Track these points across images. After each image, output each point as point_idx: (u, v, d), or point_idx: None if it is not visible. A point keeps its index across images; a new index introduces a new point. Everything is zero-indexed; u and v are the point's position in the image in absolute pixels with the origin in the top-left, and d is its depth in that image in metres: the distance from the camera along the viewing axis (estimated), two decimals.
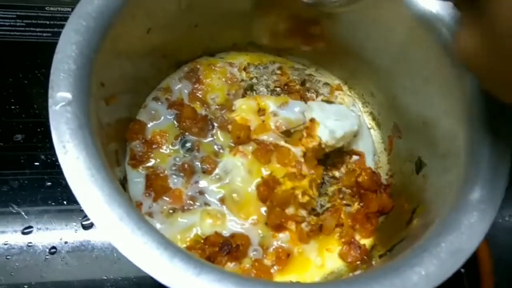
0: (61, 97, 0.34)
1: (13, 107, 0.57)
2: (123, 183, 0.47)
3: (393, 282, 0.31)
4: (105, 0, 0.39)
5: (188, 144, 0.51)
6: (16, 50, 0.62)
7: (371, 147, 0.56)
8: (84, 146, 0.33)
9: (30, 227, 0.50)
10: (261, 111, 0.55)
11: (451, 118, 0.42)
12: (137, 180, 0.49)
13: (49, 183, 0.53)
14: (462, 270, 0.46)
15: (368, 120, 0.59)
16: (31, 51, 0.62)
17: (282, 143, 0.49)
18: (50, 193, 0.52)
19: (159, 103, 0.54)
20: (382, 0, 0.46)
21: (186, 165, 0.49)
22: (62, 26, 0.59)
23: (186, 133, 0.52)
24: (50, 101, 0.34)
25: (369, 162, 0.55)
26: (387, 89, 0.54)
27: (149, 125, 0.51)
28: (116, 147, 0.47)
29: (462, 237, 0.33)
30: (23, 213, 0.51)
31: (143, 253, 0.30)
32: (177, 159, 0.50)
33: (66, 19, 0.59)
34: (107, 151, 0.40)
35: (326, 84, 0.61)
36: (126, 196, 0.35)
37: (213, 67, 0.58)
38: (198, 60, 0.59)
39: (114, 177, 0.35)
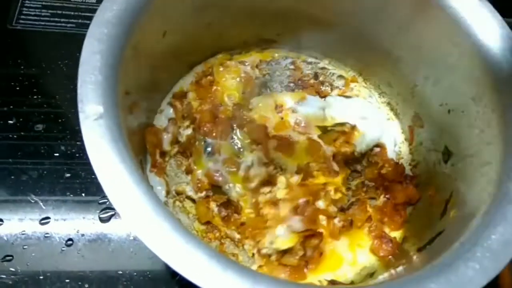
0: (92, 111, 0.32)
1: (35, 97, 0.57)
2: None
3: (448, 279, 0.30)
4: (123, 5, 0.38)
5: (209, 149, 0.50)
6: (40, 40, 0.61)
7: (392, 138, 0.56)
8: (121, 160, 0.31)
9: (48, 217, 0.50)
10: (278, 107, 0.54)
11: (482, 105, 0.42)
12: (159, 187, 0.49)
13: (68, 175, 0.52)
14: None
15: (386, 111, 0.58)
16: (55, 41, 0.61)
17: (315, 137, 0.49)
18: (68, 184, 0.52)
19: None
20: None
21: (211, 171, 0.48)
22: (86, 18, 0.58)
23: (207, 138, 0.50)
24: (81, 115, 0.32)
25: (391, 153, 0.55)
26: (405, 79, 0.53)
27: (165, 137, 0.50)
28: (139, 155, 0.46)
29: (510, 227, 0.33)
30: (41, 204, 0.50)
31: (195, 266, 0.29)
32: None
33: (90, 10, 0.59)
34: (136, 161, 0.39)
35: (341, 76, 0.60)
36: (167, 208, 0.33)
37: (226, 67, 0.57)
38: (210, 60, 0.57)
39: (152, 189, 0.34)
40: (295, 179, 0.46)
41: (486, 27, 0.42)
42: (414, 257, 0.41)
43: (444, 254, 0.33)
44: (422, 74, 0.50)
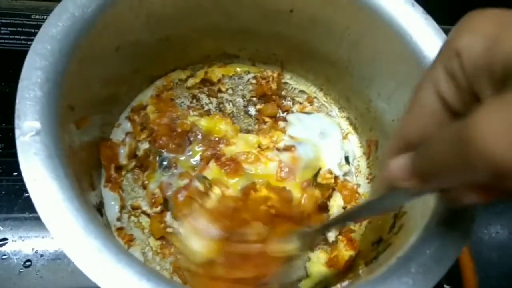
0: (29, 127, 0.32)
1: None
2: (100, 207, 0.45)
3: None
4: (70, 21, 0.38)
5: (164, 162, 0.50)
6: (0, 57, 0.60)
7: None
8: (55, 176, 0.31)
9: (5, 239, 0.49)
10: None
11: None
12: (113, 203, 0.48)
13: (27, 194, 0.50)
14: (448, 287, 0.47)
15: (345, 125, 0.59)
16: (14, 59, 0.59)
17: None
18: (27, 203, 0.51)
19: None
20: (355, 10, 0.46)
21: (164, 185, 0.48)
22: None
23: (163, 151, 0.50)
24: (17, 131, 0.32)
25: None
26: (361, 94, 0.54)
27: (121, 151, 0.50)
28: (90, 170, 0.45)
29: (445, 242, 0.33)
30: None
31: (126, 285, 0.29)
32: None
33: None
34: (80, 176, 0.39)
35: (302, 91, 0.61)
36: (103, 225, 0.33)
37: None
38: (172, 74, 0.58)
39: (89, 205, 0.34)
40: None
41: (431, 44, 0.43)
42: (360, 271, 0.41)
43: (382, 268, 0.33)
44: (376, 89, 0.51)
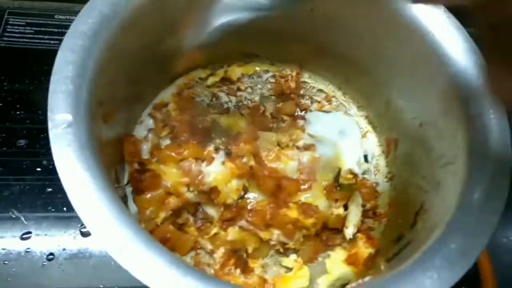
0: (61, 119, 0.33)
1: (18, 112, 0.57)
2: (125, 201, 0.46)
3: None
4: (99, 18, 0.39)
5: None
6: (24, 56, 0.62)
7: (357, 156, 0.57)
8: (87, 167, 0.32)
9: (29, 232, 0.50)
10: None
11: (449, 120, 0.43)
12: None
13: (49, 189, 0.53)
14: None
15: (364, 124, 0.59)
16: (38, 58, 0.62)
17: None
18: (50, 199, 0.52)
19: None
20: (376, 9, 0.47)
21: None
22: None
23: None
24: (50, 123, 0.33)
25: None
26: (381, 92, 0.54)
27: (144, 147, 0.51)
28: (115, 165, 0.46)
29: (469, 237, 0.33)
30: (22, 219, 0.50)
31: (156, 273, 0.29)
32: None
33: None
34: (107, 170, 0.40)
35: (321, 90, 0.61)
36: (132, 215, 0.34)
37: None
38: (192, 73, 0.58)
39: (118, 196, 0.35)
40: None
41: (453, 42, 0.43)
42: (382, 267, 0.41)
43: (406, 263, 0.34)
44: (395, 88, 0.51)
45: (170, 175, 0.46)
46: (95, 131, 0.37)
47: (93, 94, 0.37)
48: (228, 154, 0.48)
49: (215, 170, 0.46)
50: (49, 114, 0.34)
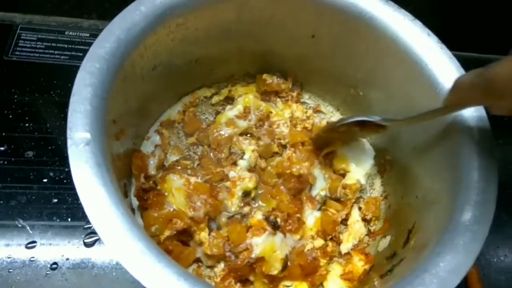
0: (80, 138, 0.36)
1: (27, 124, 0.59)
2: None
3: None
4: (116, 43, 0.42)
5: None
6: (34, 70, 0.64)
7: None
8: (103, 183, 0.34)
9: (34, 242, 0.51)
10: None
11: (440, 144, 0.45)
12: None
13: (55, 200, 0.54)
14: None
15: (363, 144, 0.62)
16: (48, 72, 0.65)
17: None
18: (55, 209, 0.54)
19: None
20: (374, 38, 0.50)
21: None
22: (79, 50, 0.61)
23: None
24: (69, 141, 0.35)
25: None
26: (377, 116, 0.57)
27: (151, 162, 0.53)
28: (123, 179, 0.49)
29: (458, 256, 0.36)
30: (28, 228, 0.52)
31: (166, 284, 0.31)
32: None
33: (83, 43, 0.62)
34: (118, 184, 0.42)
35: (319, 111, 0.64)
36: (142, 228, 0.36)
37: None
38: (198, 92, 0.61)
39: (130, 210, 0.37)
40: None
41: (446, 71, 0.46)
42: (376, 283, 0.43)
43: (397, 280, 0.36)
44: (391, 111, 0.54)
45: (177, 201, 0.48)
46: (109, 148, 0.39)
47: (108, 113, 0.40)
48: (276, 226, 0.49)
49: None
50: (68, 132, 0.36)
